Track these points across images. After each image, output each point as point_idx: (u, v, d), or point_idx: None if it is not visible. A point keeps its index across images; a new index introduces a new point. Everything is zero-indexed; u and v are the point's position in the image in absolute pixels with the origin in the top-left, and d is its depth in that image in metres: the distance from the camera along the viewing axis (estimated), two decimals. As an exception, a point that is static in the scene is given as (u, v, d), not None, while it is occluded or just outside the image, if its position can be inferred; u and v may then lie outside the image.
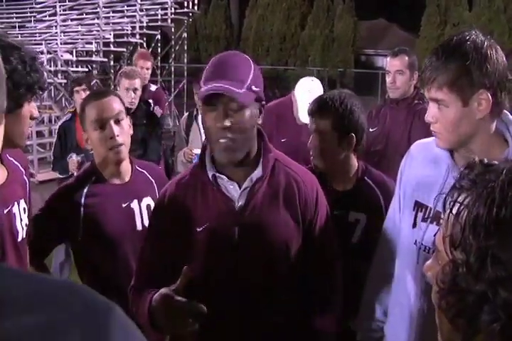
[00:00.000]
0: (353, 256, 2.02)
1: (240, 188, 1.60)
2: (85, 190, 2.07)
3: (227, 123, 1.50)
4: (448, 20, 22.11)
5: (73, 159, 3.78)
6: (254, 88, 1.52)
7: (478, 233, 0.71)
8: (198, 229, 1.57)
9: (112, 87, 5.00)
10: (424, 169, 1.67)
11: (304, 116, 3.34)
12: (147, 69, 5.24)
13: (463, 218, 0.74)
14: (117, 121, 2.06)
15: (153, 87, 5.46)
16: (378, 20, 28.02)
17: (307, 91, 3.52)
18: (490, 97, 1.43)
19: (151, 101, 5.04)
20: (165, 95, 5.84)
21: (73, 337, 0.39)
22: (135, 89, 4.14)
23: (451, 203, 0.78)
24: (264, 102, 1.61)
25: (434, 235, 0.87)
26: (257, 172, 1.61)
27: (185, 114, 4.32)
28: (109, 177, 2.13)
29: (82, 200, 2.05)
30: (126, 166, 2.16)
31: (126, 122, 2.11)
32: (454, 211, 0.76)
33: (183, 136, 4.08)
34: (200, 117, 4.05)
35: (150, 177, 2.22)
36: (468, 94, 1.43)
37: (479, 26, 1.52)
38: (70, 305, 0.42)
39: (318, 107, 2.11)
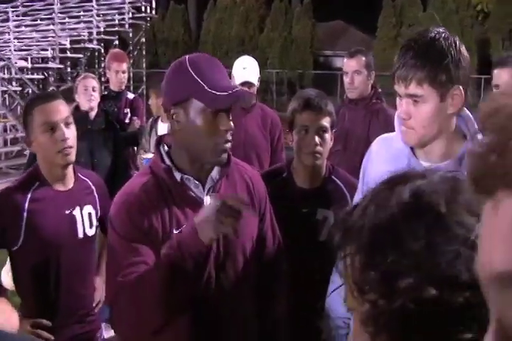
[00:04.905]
0: (320, 254, 2.02)
1: (203, 188, 1.61)
2: (29, 195, 2.03)
3: (232, 125, 1.55)
4: (404, 21, 22.46)
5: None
6: None
7: (376, 263, 0.70)
8: (176, 231, 1.55)
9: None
10: (385, 165, 1.68)
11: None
12: (123, 72, 4.64)
13: (356, 263, 0.72)
14: (67, 124, 2.05)
15: (130, 95, 4.89)
16: (336, 22, 28.26)
17: (242, 68, 3.51)
18: (463, 92, 1.46)
19: (127, 110, 4.72)
20: (143, 104, 5.09)
21: None
22: (94, 88, 3.98)
23: (344, 258, 0.75)
24: None
25: None
26: (216, 172, 1.65)
27: (152, 118, 4.31)
28: (53, 183, 2.10)
29: (26, 205, 2.01)
30: (70, 172, 2.14)
31: (74, 127, 2.11)
32: (348, 263, 0.74)
33: (148, 139, 4.10)
34: (160, 122, 4.12)
35: (92, 186, 2.23)
36: (447, 90, 1.45)
37: (434, 26, 1.53)
38: None
39: (310, 106, 2.12)
